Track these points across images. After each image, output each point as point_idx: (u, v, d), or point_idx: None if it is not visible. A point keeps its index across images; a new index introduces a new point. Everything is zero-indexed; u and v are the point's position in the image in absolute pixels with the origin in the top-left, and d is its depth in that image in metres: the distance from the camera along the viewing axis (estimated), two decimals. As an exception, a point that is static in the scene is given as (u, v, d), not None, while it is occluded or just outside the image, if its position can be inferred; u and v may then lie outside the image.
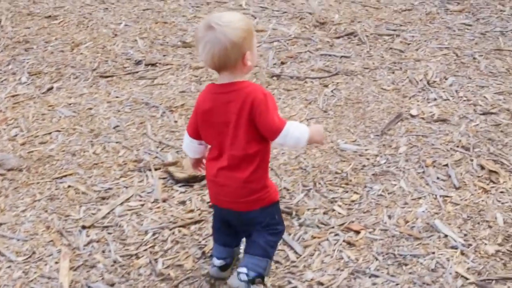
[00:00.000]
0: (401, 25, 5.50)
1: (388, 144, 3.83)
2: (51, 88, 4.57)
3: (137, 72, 4.80)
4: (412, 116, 4.12)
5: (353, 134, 3.98)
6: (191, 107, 4.24)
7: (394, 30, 5.40)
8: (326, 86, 4.51)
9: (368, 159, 3.76)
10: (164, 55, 5.04)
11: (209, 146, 2.51)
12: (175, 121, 4.11)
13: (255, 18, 5.65)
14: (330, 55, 4.92)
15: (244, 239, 2.74)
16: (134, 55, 5.03)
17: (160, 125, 4.07)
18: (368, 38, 5.26)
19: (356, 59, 4.89)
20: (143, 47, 5.16)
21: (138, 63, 4.91)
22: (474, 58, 4.88)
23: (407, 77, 4.62)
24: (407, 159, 3.69)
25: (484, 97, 4.33)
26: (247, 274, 2.49)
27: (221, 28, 2.22)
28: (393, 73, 4.70)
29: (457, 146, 3.80)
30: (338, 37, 5.26)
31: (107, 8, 6.01)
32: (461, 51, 4.99)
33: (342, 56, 4.95)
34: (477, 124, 4.02)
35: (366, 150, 3.80)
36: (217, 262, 2.67)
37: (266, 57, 4.88)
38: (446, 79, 4.59)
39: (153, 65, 4.88)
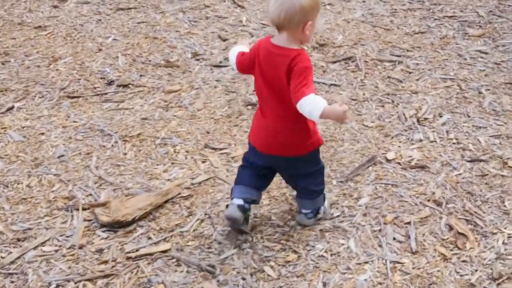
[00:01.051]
0: (408, 50, 5.02)
1: (349, 193, 3.40)
2: (12, 108, 4.35)
3: (105, 93, 4.51)
4: (388, 160, 3.68)
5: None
6: (147, 137, 4.08)
7: (399, 56, 4.94)
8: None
9: (320, 210, 3.26)
10: (141, 75, 4.74)
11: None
12: (124, 153, 3.80)
13: (253, 36, 5.23)
14: (319, 83, 4.52)
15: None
16: (109, 74, 4.76)
17: (107, 157, 3.77)
18: (367, 64, 4.83)
19: (346, 88, 4.47)
20: (122, 65, 4.87)
21: (110, 83, 4.62)
22: (480, 93, 4.38)
23: (397, 112, 4.15)
24: (365, 212, 3.26)
25: (478, 140, 3.84)
26: (310, 212, 3.08)
27: None
28: (382, 106, 4.24)
29: (428, 200, 3.35)
30: (335, 62, 4.86)
31: (100, 20, 5.76)
32: (467, 84, 4.50)
33: (331, 84, 4.56)
34: (460, 174, 3.55)
35: (321, 198, 3.32)
36: (237, 200, 2.89)
37: (249, 81, 4.46)
38: (441, 116, 4.11)
39: (125, 86, 4.58)
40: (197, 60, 4.96)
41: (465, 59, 4.89)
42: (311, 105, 2.52)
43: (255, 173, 2.92)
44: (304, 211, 3.04)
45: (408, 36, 5.30)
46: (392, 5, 5.92)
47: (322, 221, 3.24)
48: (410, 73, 4.75)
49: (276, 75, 2.59)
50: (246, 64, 2.79)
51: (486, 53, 4.99)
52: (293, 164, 2.87)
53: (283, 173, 3.02)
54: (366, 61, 4.90)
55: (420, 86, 4.56)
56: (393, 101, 4.32)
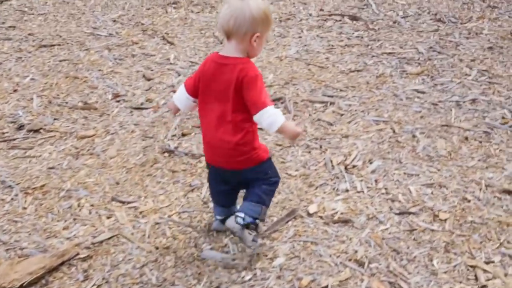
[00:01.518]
0: (341, 90, 4.76)
1: (264, 252, 3.07)
2: None
3: (14, 139, 4.18)
4: (309, 214, 3.37)
5: (226, 237, 3.19)
6: (51, 189, 3.76)
7: (331, 96, 4.68)
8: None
9: (230, 273, 3.03)
10: (55, 119, 4.42)
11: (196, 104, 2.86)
12: (24, 208, 3.46)
13: (180, 75, 4.94)
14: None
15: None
16: (21, 118, 4.41)
17: (5, 212, 3.47)
18: (297, 105, 4.54)
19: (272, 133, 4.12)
20: (36, 108, 4.54)
21: (20, 128, 4.27)
22: (414, 136, 4.12)
23: (324, 159, 3.84)
24: (279, 275, 2.96)
25: (408, 189, 3.57)
26: (243, 218, 2.86)
27: (250, 2, 2.57)
28: (309, 152, 3.95)
29: (350, 260, 3.06)
30: None
31: (20, 58, 5.43)
32: (401, 126, 4.22)
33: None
34: (386, 229, 3.28)
35: (233, 260, 3.01)
36: (218, 217, 3.10)
37: (169, 125, 4.14)
38: (371, 162, 3.84)
39: (36, 131, 4.25)
40: (117, 101, 4.65)
41: (401, 99, 4.65)
42: (271, 117, 2.64)
43: (219, 191, 3.07)
44: (238, 214, 2.91)
45: (343, 75, 5.05)
46: (329, 41, 5.69)
47: (229, 285, 2.89)
48: (341, 115, 4.49)
49: (225, 85, 2.67)
50: (194, 84, 2.84)
51: (424, 93, 4.75)
52: (238, 177, 2.94)
53: (232, 183, 3.02)
54: (296, 102, 4.62)
55: (351, 129, 4.27)
56: (321, 147, 4.04)
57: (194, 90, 2.84)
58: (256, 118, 2.68)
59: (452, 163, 3.88)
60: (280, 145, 4.11)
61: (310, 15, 6.28)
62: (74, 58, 5.44)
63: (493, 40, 5.69)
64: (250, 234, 2.99)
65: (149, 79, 4.96)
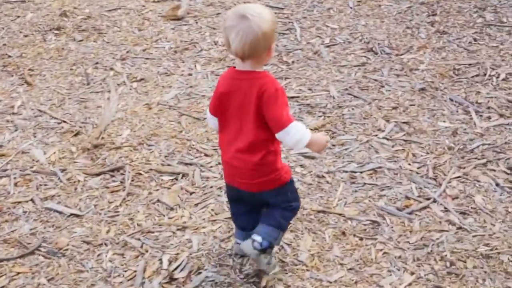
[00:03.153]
0: (206, 155, 3.99)
1: None
2: None
3: None
4: None
5: None
6: None
7: (189, 165, 3.90)
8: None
9: None
10: None
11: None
12: None
13: (17, 129, 4.10)
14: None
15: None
16: None
17: None
18: (138, 178, 3.74)
19: (90, 220, 3.17)
20: None
21: None
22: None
23: (137, 265, 2.72)
24: None
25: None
26: (260, 244, 2.74)
27: (255, 19, 2.43)
28: (122, 255, 2.91)
29: None
30: (98, 174, 3.79)
31: None
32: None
33: (71, 214, 3.30)
34: None
35: None
36: (238, 240, 2.94)
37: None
38: (199, 272, 2.70)
39: None
40: None
41: None
42: (297, 134, 2.53)
43: (238, 212, 2.93)
44: (255, 237, 2.74)
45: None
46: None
47: None
48: (191, 193, 3.39)
49: (244, 102, 2.55)
50: (214, 104, 2.70)
51: (312, 158, 3.71)
52: (257, 199, 2.80)
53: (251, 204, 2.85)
54: (140, 174, 3.56)
55: (194, 216, 3.29)
56: (142, 245, 2.91)
57: (216, 110, 2.68)
58: (279, 136, 2.55)
59: (310, 275, 2.97)
60: (88, 243, 2.95)
61: (215, 43, 5.13)
62: None
63: (429, 79, 4.54)
64: (265, 257, 2.84)
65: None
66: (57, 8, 5.95)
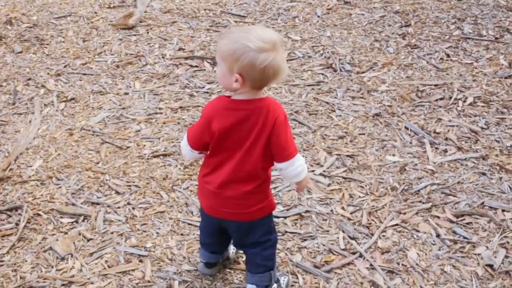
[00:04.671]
0: (117, 192, 3.56)
1: None
2: None
3: None
4: None
5: None
6: None
7: (96, 204, 3.52)
8: None
9: None
10: None
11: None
12: None
13: None
14: None
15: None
16: None
17: None
18: (36, 220, 3.42)
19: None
20: None
21: None
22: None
23: None
24: None
25: None
26: None
27: (277, 54, 2.28)
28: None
29: None
30: None
31: None
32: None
33: None
34: None
35: None
36: (204, 260, 2.89)
37: None
38: None
39: None
40: None
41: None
42: (301, 166, 2.47)
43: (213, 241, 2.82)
44: (249, 286, 2.71)
45: (141, 162, 3.56)
46: (163, 99, 4.53)
47: None
48: (88, 240, 3.02)
49: (249, 132, 2.38)
50: (201, 140, 2.48)
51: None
52: (243, 229, 2.63)
53: (233, 234, 2.71)
54: (38, 214, 3.25)
55: (79, 275, 2.75)
56: None
57: (201, 145, 2.49)
58: (281, 166, 2.44)
59: None
60: None
61: (163, 56, 4.76)
62: None
63: (387, 102, 4.12)
64: None
65: None
66: (4, 15, 5.60)
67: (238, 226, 2.63)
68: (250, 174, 2.48)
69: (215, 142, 2.45)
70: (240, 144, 2.43)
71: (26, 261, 3.07)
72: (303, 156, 3.43)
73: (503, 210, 3.30)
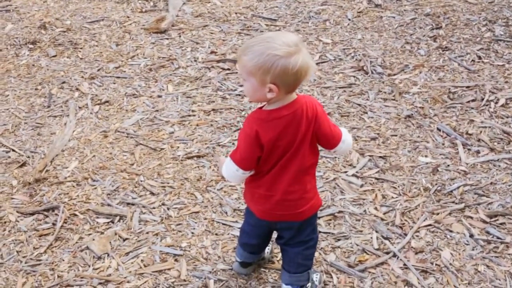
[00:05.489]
0: (152, 193, 3.53)
1: None
2: None
3: None
4: None
5: None
6: None
7: (131, 205, 3.54)
8: None
9: None
10: None
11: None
12: None
13: None
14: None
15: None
16: None
17: None
18: (72, 220, 3.48)
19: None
20: None
21: None
22: None
23: None
24: None
25: None
26: None
27: (304, 56, 2.31)
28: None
29: None
30: (32, 213, 3.62)
31: None
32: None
33: None
34: None
35: None
36: (239, 259, 2.94)
37: None
38: None
39: None
40: None
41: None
42: (348, 137, 2.55)
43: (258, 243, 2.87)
44: (285, 286, 2.76)
45: (175, 163, 3.58)
46: (195, 102, 4.61)
47: None
48: (124, 239, 3.03)
49: (295, 134, 2.42)
50: (254, 159, 2.47)
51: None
52: (294, 229, 2.67)
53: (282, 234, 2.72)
54: (75, 215, 3.29)
55: (115, 275, 2.83)
56: None
57: (253, 163, 2.48)
58: (338, 147, 2.52)
59: None
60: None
61: (195, 60, 4.82)
62: None
63: (419, 104, 4.14)
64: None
65: None
66: (39, 19, 5.70)
67: (289, 227, 2.67)
68: (305, 173, 2.53)
69: (266, 154, 2.46)
70: (290, 147, 2.46)
71: (63, 260, 3.12)
72: (332, 158, 3.48)
73: (537, 211, 3.29)
